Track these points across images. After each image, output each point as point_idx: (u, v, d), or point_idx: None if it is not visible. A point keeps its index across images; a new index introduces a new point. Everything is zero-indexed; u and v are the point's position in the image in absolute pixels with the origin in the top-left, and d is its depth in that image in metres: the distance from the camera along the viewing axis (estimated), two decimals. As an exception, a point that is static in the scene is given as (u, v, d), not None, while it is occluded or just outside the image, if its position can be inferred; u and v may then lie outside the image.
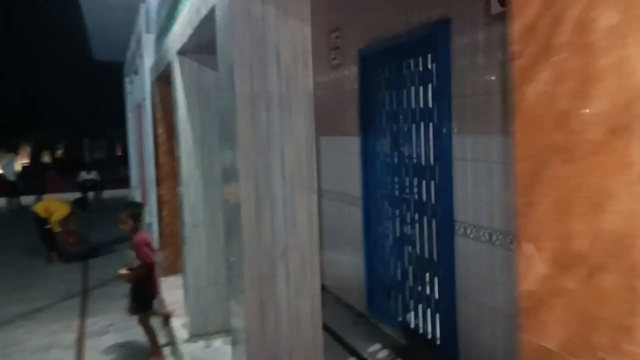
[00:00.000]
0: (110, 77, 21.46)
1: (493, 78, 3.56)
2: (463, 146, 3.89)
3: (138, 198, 15.09)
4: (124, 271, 5.04)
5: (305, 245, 2.97)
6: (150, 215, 10.29)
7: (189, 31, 4.19)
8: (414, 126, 4.47)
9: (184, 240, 5.24)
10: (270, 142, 2.89)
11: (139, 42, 10.35)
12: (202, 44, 4.55)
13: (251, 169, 2.86)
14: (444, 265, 4.10)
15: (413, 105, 4.44)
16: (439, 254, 4.18)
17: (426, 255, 4.38)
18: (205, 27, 3.86)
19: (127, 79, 17.01)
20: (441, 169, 4.09)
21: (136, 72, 12.91)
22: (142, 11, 9.25)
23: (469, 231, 3.87)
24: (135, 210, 5.25)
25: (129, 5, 9.87)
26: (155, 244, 9.19)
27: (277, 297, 2.94)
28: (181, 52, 4.99)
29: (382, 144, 4.96)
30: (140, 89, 11.74)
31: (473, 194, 3.81)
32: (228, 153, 3.01)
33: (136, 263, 5.01)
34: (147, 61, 9.15)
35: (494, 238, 3.62)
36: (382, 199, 5.02)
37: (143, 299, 5.12)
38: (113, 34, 13.32)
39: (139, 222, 5.18)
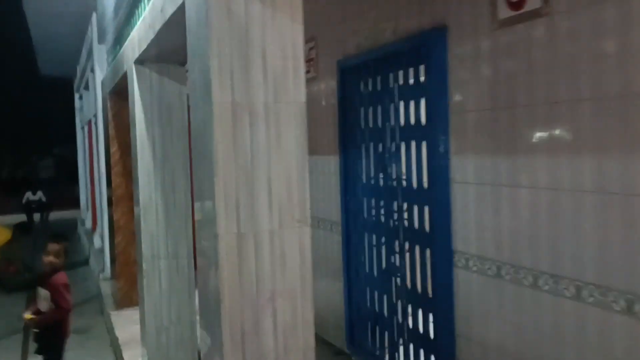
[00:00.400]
0: (59, 92, 20.49)
1: (501, 90, 3.15)
2: (463, 167, 3.47)
3: (88, 220, 14.24)
4: (29, 315, 4.39)
5: (297, 289, 2.45)
6: (102, 240, 9.55)
7: (150, 35, 3.65)
8: (403, 145, 4.03)
9: (141, 273, 4.63)
10: (254, 163, 2.38)
11: (90, 54, 9.67)
12: (165, 52, 4.01)
13: (231, 197, 2.34)
14: (441, 300, 3.65)
15: (402, 122, 4.00)
16: (434, 288, 3.73)
17: (418, 288, 3.92)
18: (171, 30, 3.34)
19: (76, 94, 16.15)
20: (437, 192, 3.65)
21: (86, 87, 12.17)
22: (93, 20, 8.61)
23: (471, 263, 3.43)
24: (68, 243, 4.65)
25: (78, 14, 9.20)
26: (107, 272, 8.49)
27: (262, 353, 2.40)
28: (139, 62, 4.43)
29: (365, 164, 4.50)
30: (91, 105, 11.02)
31: (476, 222, 3.38)
32: (203, 177, 2.48)
33: (45, 304, 4.37)
34: (99, 74, 8.50)
35: (503, 272, 3.18)
36: (365, 225, 4.55)
37: (52, 346, 4.47)
38: (61, 47, 12.56)
39: (66, 259, 4.59)
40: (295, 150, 2.44)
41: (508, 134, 3.11)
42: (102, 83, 7.49)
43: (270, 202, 2.40)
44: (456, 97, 3.51)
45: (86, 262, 11.12)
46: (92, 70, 9.51)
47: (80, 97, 14.89)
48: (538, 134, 2.92)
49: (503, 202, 3.17)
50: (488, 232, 3.29)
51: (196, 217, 2.64)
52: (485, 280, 3.32)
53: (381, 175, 4.29)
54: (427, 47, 3.68)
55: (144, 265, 4.54)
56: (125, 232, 6.66)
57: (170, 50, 3.90)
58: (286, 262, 2.43)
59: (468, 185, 3.43)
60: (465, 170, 3.45)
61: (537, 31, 2.91)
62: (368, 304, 4.56)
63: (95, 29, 8.51)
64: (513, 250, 3.12)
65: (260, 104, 2.39)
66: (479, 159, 3.33)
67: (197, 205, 2.61)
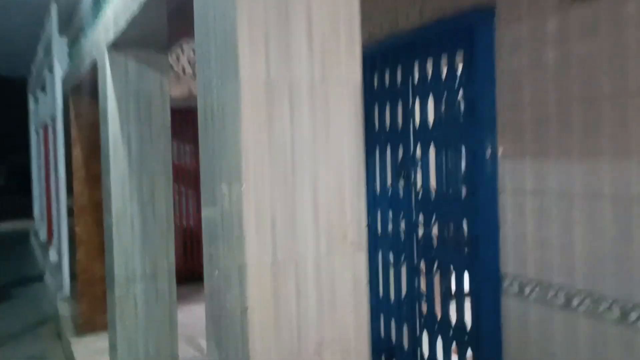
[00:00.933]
0: (11, 95, 19.27)
1: (574, 80, 2.58)
2: (517, 173, 2.87)
3: (43, 232, 13.22)
4: None
5: (350, 337, 1.80)
6: (60, 255, 8.66)
7: (133, 8, 2.95)
8: (431, 147, 3.42)
9: (113, 299, 3.89)
10: (296, 163, 1.72)
11: (48, 50, 8.81)
12: (149, 31, 3.31)
13: (264, 211, 1.68)
14: (485, 333, 3.04)
15: (431, 121, 3.40)
16: (475, 319, 3.11)
17: (452, 319, 3.30)
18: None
19: (31, 97, 15.09)
20: (479, 203, 3.04)
21: (43, 88, 11.23)
22: (53, 11, 7.77)
23: (527, 290, 2.83)
24: None
25: (35, 6, 8.35)
26: (66, 290, 7.62)
27: None
28: (114, 46, 3.71)
29: (380, 170, 3.88)
30: (48, 106, 10.11)
31: (536, 239, 2.78)
32: (222, 182, 1.81)
33: None
34: (59, 71, 7.67)
35: (575, 302, 2.59)
36: (378, 241, 3.91)
37: None
38: (14, 44, 11.60)
39: None
40: (349, 145, 1.79)
41: (585, 131, 2.53)
42: (64, 79, 6.68)
43: (317, 218, 1.74)
44: (506, 90, 2.92)
45: (40, 278, 10.16)
46: (51, 69, 8.65)
47: (36, 100, 13.87)
48: (630, 131, 2.35)
49: (576, 216, 2.58)
50: (553, 253, 2.69)
51: (205, 236, 1.95)
52: (548, 312, 2.72)
53: (401, 184, 3.67)
54: (467, 32, 3.09)
55: (117, 290, 3.80)
56: (88, 246, 5.85)
57: (156, 29, 3.21)
58: (337, 301, 1.77)
59: (524, 195, 2.84)
60: (520, 177, 2.86)
61: (629, 5, 2.34)
62: (382, 334, 3.91)
63: (55, 20, 7.67)
64: (590, 276, 2.53)
65: (303, 83, 1.74)
66: (539, 163, 2.75)
67: (205, 224, 1.93)
